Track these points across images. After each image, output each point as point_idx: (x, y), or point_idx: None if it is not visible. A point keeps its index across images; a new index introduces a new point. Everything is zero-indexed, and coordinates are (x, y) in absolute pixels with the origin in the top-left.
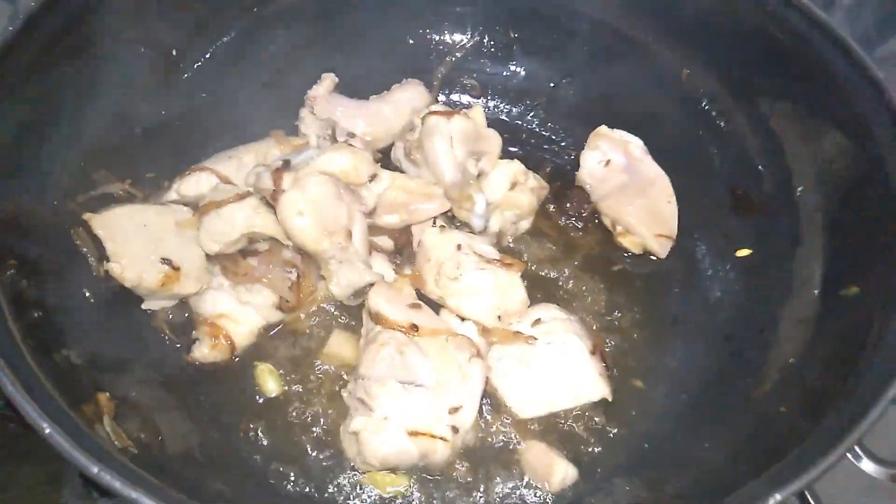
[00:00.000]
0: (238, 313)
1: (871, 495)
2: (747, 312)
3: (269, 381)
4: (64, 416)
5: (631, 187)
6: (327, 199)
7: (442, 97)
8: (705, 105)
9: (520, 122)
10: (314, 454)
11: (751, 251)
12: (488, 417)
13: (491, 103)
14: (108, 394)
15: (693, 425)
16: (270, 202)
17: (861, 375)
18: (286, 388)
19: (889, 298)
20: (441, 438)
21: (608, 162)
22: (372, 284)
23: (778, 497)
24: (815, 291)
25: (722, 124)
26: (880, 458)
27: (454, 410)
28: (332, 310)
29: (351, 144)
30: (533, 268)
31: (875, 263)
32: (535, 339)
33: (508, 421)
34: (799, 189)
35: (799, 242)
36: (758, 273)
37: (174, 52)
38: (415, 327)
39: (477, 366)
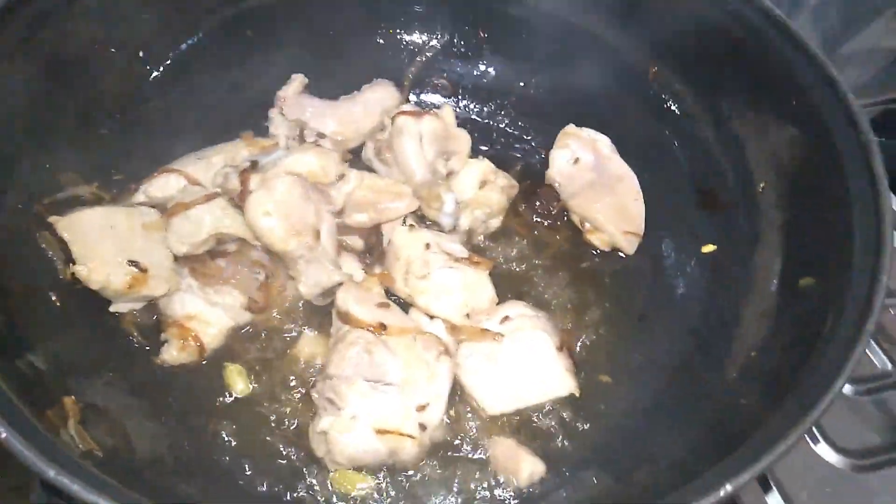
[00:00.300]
0: (207, 314)
1: (835, 485)
2: (712, 307)
3: (238, 382)
4: (23, 420)
5: (599, 185)
6: (295, 199)
7: (413, 97)
8: (670, 104)
9: (490, 121)
10: (284, 454)
11: (715, 247)
12: (457, 414)
13: (462, 103)
14: (73, 397)
15: (659, 418)
16: (238, 203)
17: (816, 364)
18: (256, 388)
19: (842, 289)
20: (409, 436)
21: (577, 160)
22: (340, 284)
23: (731, 486)
24: (774, 284)
25: (687, 123)
26: (843, 448)
27: (422, 408)
28: (302, 310)
29: (319, 145)
30: (503, 265)
31: (829, 256)
32: (503, 336)
33: (477, 417)
34: (760, 185)
35: (759, 238)
36: (722, 268)
37: (141, 54)
38: (383, 326)
39: (444, 364)
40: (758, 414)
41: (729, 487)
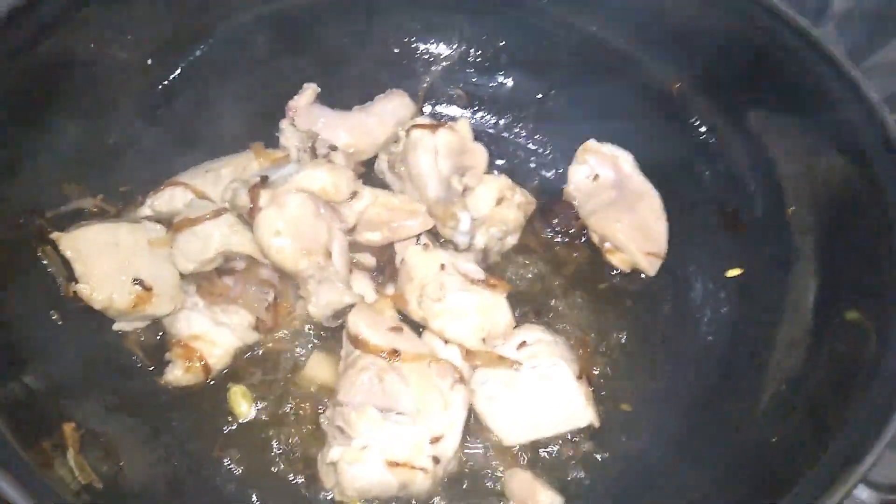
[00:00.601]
0: (213, 334)
1: None
2: (738, 334)
3: (243, 404)
4: (11, 455)
5: (619, 203)
6: (306, 217)
7: (428, 108)
8: (695, 120)
9: (507, 135)
10: (292, 483)
11: (742, 270)
12: (472, 444)
13: (478, 115)
14: (73, 424)
15: (682, 451)
16: (247, 220)
17: (859, 405)
18: (262, 412)
19: (887, 323)
20: (421, 469)
21: (596, 176)
22: (352, 305)
23: None
24: (809, 314)
25: (712, 140)
26: (874, 483)
27: (436, 440)
28: (312, 331)
29: (331, 158)
30: (519, 285)
31: (872, 287)
32: (520, 363)
33: (492, 447)
34: (791, 209)
35: (791, 263)
36: (749, 293)
37: (150, 62)
38: (396, 353)
39: (459, 393)
40: (795, 453)
41: None
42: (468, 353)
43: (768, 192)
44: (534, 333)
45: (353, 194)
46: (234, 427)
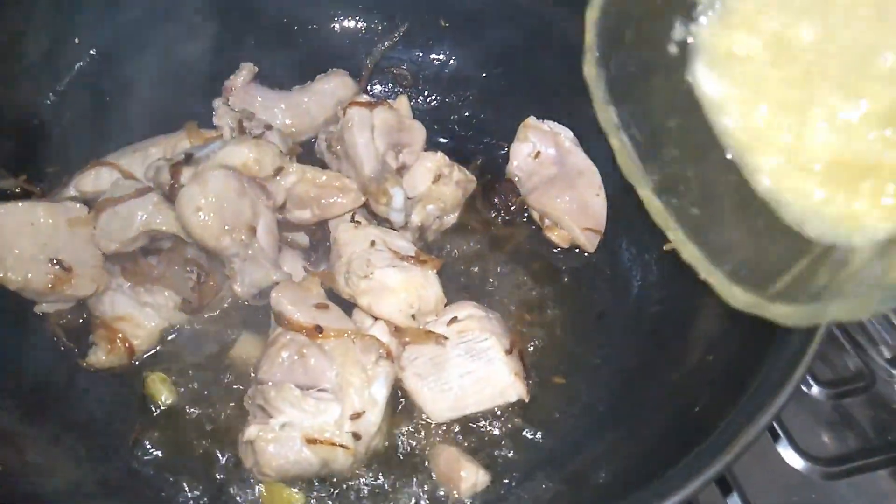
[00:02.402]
0: (137, 315)
1: (802, 493)
2: (671, 307)
3: (162, 391)
4: None
5: (559, 180)
6: (229, 193)
7: (378, 87)
8: None
9: (451, 113)
10: (213, 464)
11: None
12: (401, 421)
13: (422, 93)
14: None
15: (614, 420)
16: (170, 198)
17: (771, 364)
18: (187, 394)
19: None
20: (341, 446)
21: (538, 154)
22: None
23: (688, 489)
24: None
25: None
26: (811, 455)
27: (356, 416)
28: (241, 311)
29: (257, 136)
30: (458, 263)
31: None
32: (447, 338)
33: (421, 424)
34: None
35: None
36: (682, 267)
37: (77, 41)
38: (319, 329)
39: (383, 368)
40: (714, 415)
41: (686, 490)
42: (397, 330)
43: None
44: (466, 309)
45: (278, 170)
46: (157, 410)
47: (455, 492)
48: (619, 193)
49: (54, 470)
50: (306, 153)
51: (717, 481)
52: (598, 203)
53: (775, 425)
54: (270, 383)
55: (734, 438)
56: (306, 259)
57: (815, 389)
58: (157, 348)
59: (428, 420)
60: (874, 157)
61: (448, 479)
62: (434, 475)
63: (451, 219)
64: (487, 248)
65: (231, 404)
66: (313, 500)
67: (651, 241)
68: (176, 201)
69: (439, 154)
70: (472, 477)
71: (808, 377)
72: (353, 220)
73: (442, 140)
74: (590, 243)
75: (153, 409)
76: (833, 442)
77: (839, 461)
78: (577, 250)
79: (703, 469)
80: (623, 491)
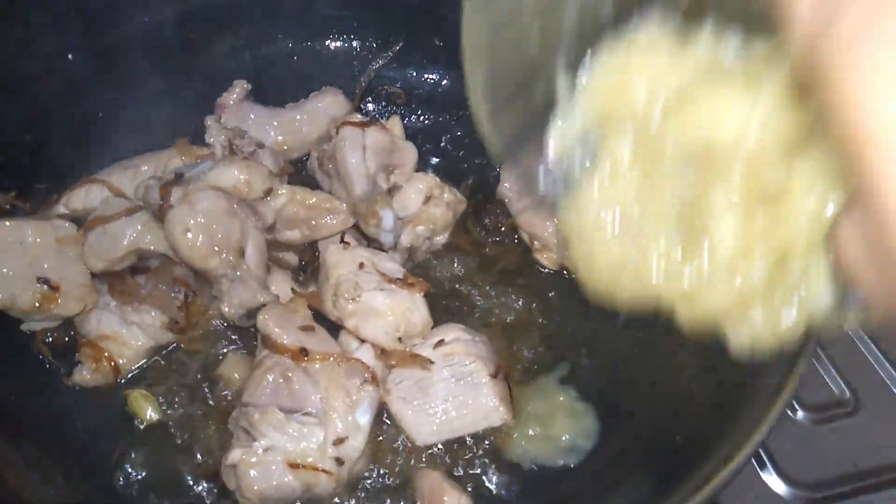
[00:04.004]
0: (123, 334)
1: None
2: (656, 333)
3: (146, 408)
4: None
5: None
6: (218, 214)
7: (371, 105)
8: None
9: (444, 132)
10: (196, 486)
11: None
12: (384, 444)
13: (416, 112)
14: None
15: (599, 447)
16: (159, 217)
17: (754, 394)
18: (172, 414)
19: None
20: (324, 471)
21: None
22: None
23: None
24: None
25: None
26: (795, 480)
27: (339, 441)
28: (228, 331)
29: (257, 156)
30: (447, 284)
31: None
32: (432, 362)
33: (405, 448)
34: None
35: None
36: None
37: (70, 56)
38: (304, 352)
39: (367, 392)
40: (698, 445)
41: None
42: (383, 353)
43: None
44: (452, 332)
45: (268, 191)
46: (139, 430)
47: None
48: None
49: (36, 491)
50: (298, 171)
51: None
52: None
53: (760, 450)
54: (255, 406)
55: (718, 470)
56: (295, 279)
57: (799, 414)
58: (143, 367)
59: (412, 443)
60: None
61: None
62: (418, 500)
63: (441, 240)
64: (476, 268)
65: (216, 425)
66: None
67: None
68: (165, 221)
69: (430, 175)
70: (454, 502)
71: (793, 402)
72: (342, 240)
73: (434, 159)
74: None
75: (137, 427)
76: (817, 467)
77: (823, 487)
78: (566, 273)
79: (688, 498)
80: None
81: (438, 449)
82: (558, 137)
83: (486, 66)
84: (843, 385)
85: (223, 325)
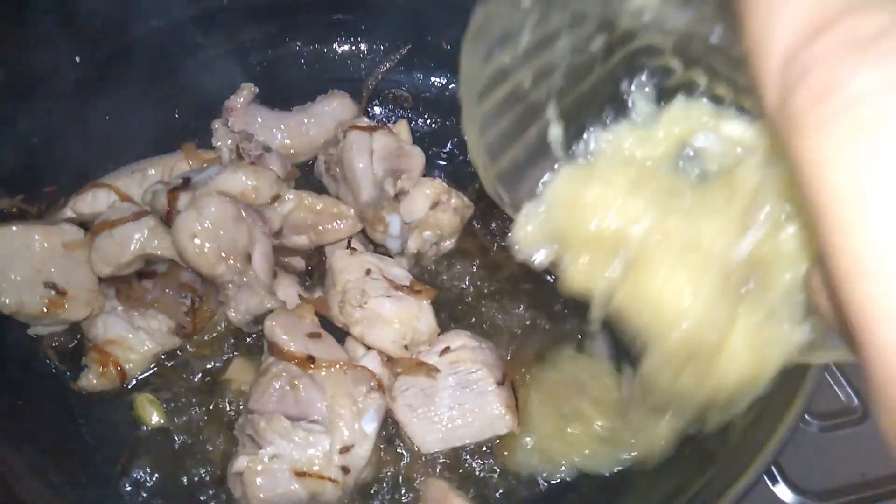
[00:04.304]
0: (130, 339)
1: None
2: None
3: (152, 413)
4: None
5: None
6: (225, 220)
7: (378, 109)
8: None
9: (451, 136)
10: (203, 492)
11: None
12: (390, 451)
13: (423, 116)
14: None
15: None
16: (166, 223)
17: (764, 405)
18: (178, 419)
19: None
20: (330, 480)
21: None
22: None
23: None
24: None
25: None
26: (802, 489)
27: (346, 450)
28: (235, 336)
29: (264, 160)
30: (454, 289)
31: None
32: (438, 370)
33: (411, 456)
34: None
35: None
36: None
37: (78, 59)
38: (311, 359)
39: (373, 400)
40: (705, 460)
41: None
42: (389, 361)
43: None
44: (458, 339)
45: (276, 197)
46: (146, 435)
47: None
48: None
49: (42, 498)
50: (304, 175)
51: None
52: None
53: None
54: (261, 413)
55: (729, 487)
56: (301, 284)
57: (807, 422)
58: (150, 372)
59: (419, 451)
60: None
61: None
62: None
63: (449, 245)
64: (483, 273)
65: (221, 432)
66: None
67: None
68: (172, 227)
69: (437, 180)
70: None
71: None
72: (349, 246)
73: (441, 163)
74: None
75: (143, 433)
76: (825, 475)
77: (831, 495)
78: None
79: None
80: None
81: (443, 456)
82: (523, 235)
83: (481, 99)
84: (851, 393)
85: (230, 330)
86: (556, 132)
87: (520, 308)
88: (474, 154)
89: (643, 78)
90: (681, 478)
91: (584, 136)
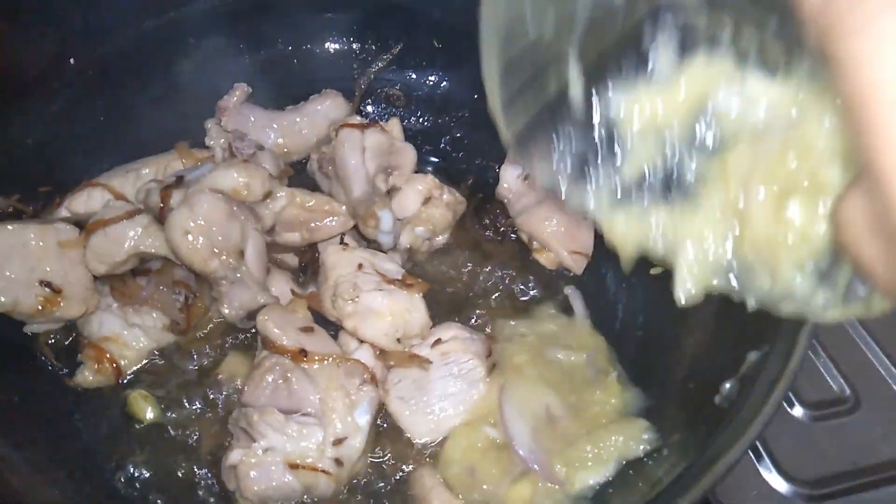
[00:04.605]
0: (125, 336)
1: None
2: (654, 332)
3: (146, 408)
4: None
5: (548, 202)
6: (218, 217)
7: (370, 107)
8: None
9: (443, 133)
10: (198, 486)
11: (662, 269)
12: (384, 444)
13: (415, 114)
14: None
15: None
16: (160, 220)
17: (750, 389)
18: (173, 414)
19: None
20: (324, 472)
21: (527, 176)
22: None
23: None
24: (714, 307)
25: None
26: (794, 477)
27: (339, 442)
28: (228, 332)
29: (257, 159)
30: (444, 283)
31: None
32: (430, 362)
33: (403, 447)
34: None
35: None
36: (666, 291)
37: (72, 61)
38: (304, 352)
39: (367, 392)
40: (695, 442)
41: None
42: (382, 353)
43: None
44: (450, 331)
45: (268, 194)
46: (140, 430)
47: None
48: None
49: (40, 491)
50: (298, 174)
51: None
52: (585, 227)
53: (759, 447)
54: (254, 407)
55: (714, 463)
56: (295, 280)
57: (799, 411)
58: (144, 368)
59: (412, 443)
60: None
61: (424, 502)
62: (414, 497)
63: (441, 240)
64: (476, 268)
65: (216, 426)
66: None
67: (637, 265)
68: (165, 224)
69: (429, 176)
70: (446, 500)
71: (792, 398)
72: (341, 242)
73: (433, 159)
74: (577, 266)
75: (138, 428)
76: (817, 464)
77: (823, 484)
78: (565, 272)
79: (685, 491)
80: None
81: (434, 447)
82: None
83: (501, 51)
84: (842, 382)
85: (223, 326)
86: (575, 89)
87: (511, 302)
88: (493, 108)
89: (665, 34)
90: (668, 463)
91: (603, 94)
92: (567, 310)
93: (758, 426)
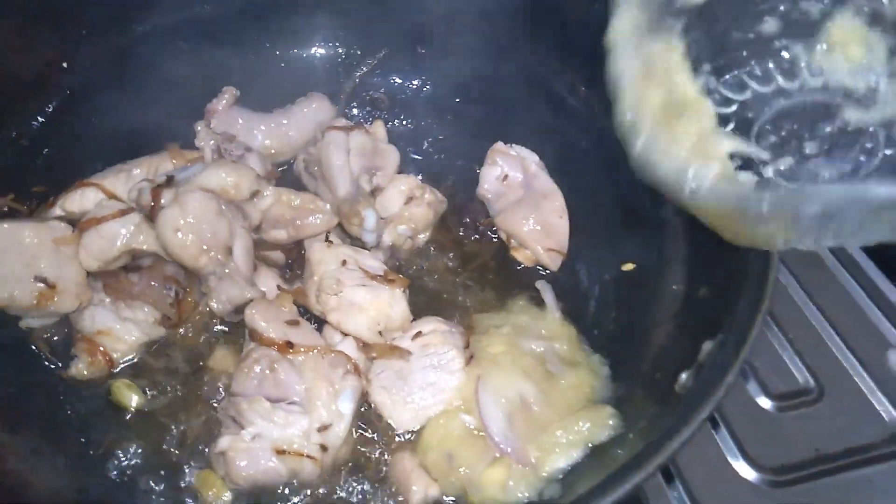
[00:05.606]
0: (117, 330)
1: (752, 501)
2: (625, 325)
3: (131, 396)
4: None
5: (525, 202)
6: (207, 215)
7: (355, 110)
8: (600, 123)
9: (426, 136)
10: (187, 472)
11: (634, 265)
12: (366, 432)
13: (398, 117)
14: None
15: None
16: (151, 218)
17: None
18: (163, 403)
19: (730, 296)
20: (309, 457)
21: (506, 177)
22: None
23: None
24: (678, 303)
25: (613, 143)
26: (761, 465)
27: (324, 429)
28: (218, 326)
29: (245, 160)
30: (427, 279)
31: (718, 266)
32: (411, 353)
33: (385, 435)
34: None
35: (670, 256)
36: (636, 286)
37: (65, 65)
38: (290, 344)
39: (350, 382)
40: (659, 426)
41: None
42: (365, 346)
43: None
44: (430, 324)
45: (255, 193)
46: (131, 419)
47: (407, 501)
48: (582, 216)
49: (34, 479)
50: (284, 174)
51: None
52: (561, 225)
53: (727, 436)
54: (243, 396)
55: (668, 441)
56: (282, 276)
57: (766, 402)
58: (135, 360)
59: (392, 430)
60: None
61: (403, 488)
62: (392, 484)
63: (423, 238)
64: (456, 265)
65: (205, 415)
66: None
67: (609, 261)
68: (156, 222)
69: (412, 177)
70: (421, 490)
71: (759, 389)
72: (326, 239)
73: (415, 157)
74: (553, 263)
75: (128, 416)
76: (783, 452)
77: (788, 471)
78: (541, 269)
79: (646, 462)
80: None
81: (414, 435)
82: None
83: None
84: (807, 374)
85: (213, 319)
86: None
87: (490, 297)
88: None
89: None
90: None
91: None
92: (540, 303)
93: (708, 406)
